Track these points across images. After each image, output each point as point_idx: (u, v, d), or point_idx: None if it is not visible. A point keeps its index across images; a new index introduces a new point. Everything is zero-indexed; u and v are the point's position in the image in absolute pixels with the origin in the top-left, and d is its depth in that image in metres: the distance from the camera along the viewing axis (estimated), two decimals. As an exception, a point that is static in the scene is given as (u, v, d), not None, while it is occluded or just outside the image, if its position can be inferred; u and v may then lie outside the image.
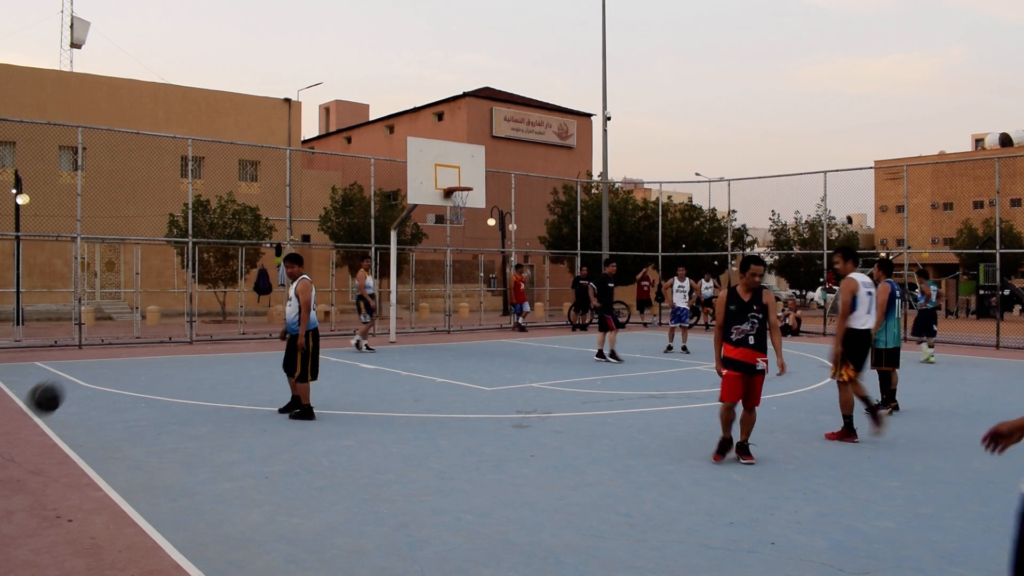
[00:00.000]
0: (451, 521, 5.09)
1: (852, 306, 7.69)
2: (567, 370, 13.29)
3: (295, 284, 8.76)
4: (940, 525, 5.11)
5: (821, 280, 26.54)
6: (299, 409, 8.66)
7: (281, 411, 8.95)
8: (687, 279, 16.70)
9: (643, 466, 6.62)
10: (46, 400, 5.40)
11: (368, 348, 16.47)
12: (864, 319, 7.76)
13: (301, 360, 8.63)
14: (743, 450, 6.81)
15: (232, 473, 6.26)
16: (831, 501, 5.64)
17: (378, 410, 9.27)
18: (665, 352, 16.46)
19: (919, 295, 14.97)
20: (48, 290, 25.27)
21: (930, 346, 15.09)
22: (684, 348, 16.70)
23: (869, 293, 7.90)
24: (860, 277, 7.89)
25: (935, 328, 14.87)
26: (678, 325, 16.64)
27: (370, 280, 16.64)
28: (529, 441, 7.56)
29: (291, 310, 8.72)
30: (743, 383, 6.70)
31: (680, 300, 16.50)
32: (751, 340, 6.69)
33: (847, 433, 7.65)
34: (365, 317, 16.52)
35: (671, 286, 16.72)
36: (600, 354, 14.57)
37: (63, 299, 26.99)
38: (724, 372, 6.73)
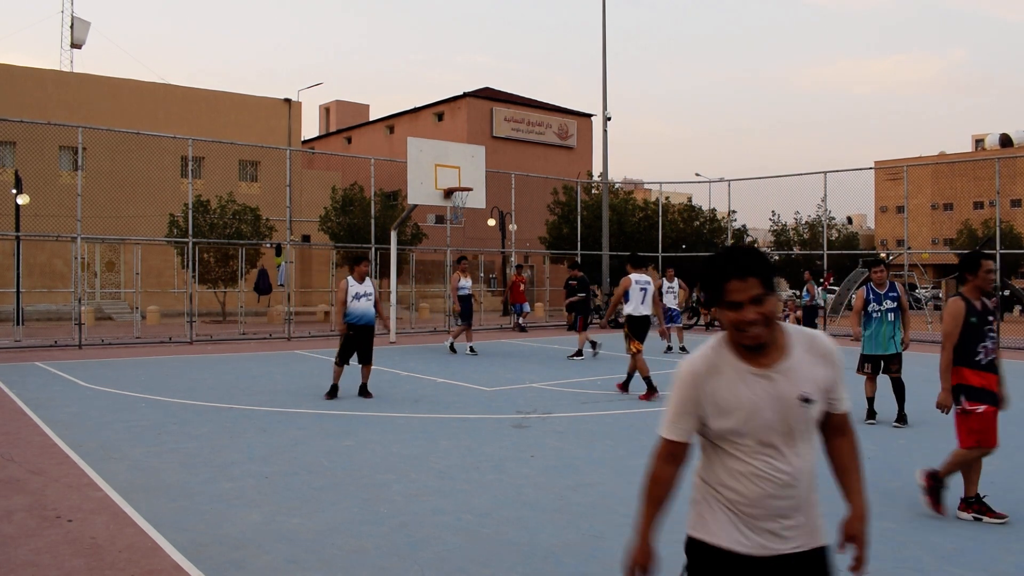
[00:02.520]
0: (451, 521, 5.09)
1: (625, 297, 10.45)
2: (567, 370, 13.29)
3: (370, 280, 10.11)
4: (940, 525, 5.11)
5: (820, 280, 26.56)
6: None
7: (362, 395, 10.12)
8: (676, 279, 16.86)
9: (643, 466, 6.60)
10: None
11: (453, 349, 16.34)
12: (639, 308, 10.44)
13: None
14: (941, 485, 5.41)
15: (232, 473, 6.26)
16: (831, 501, 5.62)
17: (378, 410, 9.27)
18: (665, 353, 16.49)
19: (804, 293, 17.20)
20: (48, 290, 25.28)
21: None
22: (683, 348, 16.76)
23: (643, 289, 10.48)
24: (636, 276, 10.52)
25: (816, 323, 17.43)
26: (672, 325, 16.75)
27: (464, 282, 16.04)
28: (529, 441, 7.56)
29: (370, 304, 10.01)
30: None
31: (670, 301, 16.63)
32: (996, 362, 5.29)
33: (651, 391, 10.11)
34: (458, 320, 16.14)
35: (660, 287, 16.77)
36: (579, 352, 15.28)
37: (63, 299, 26.98)
38: (981, 408, 5.17)
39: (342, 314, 9.98)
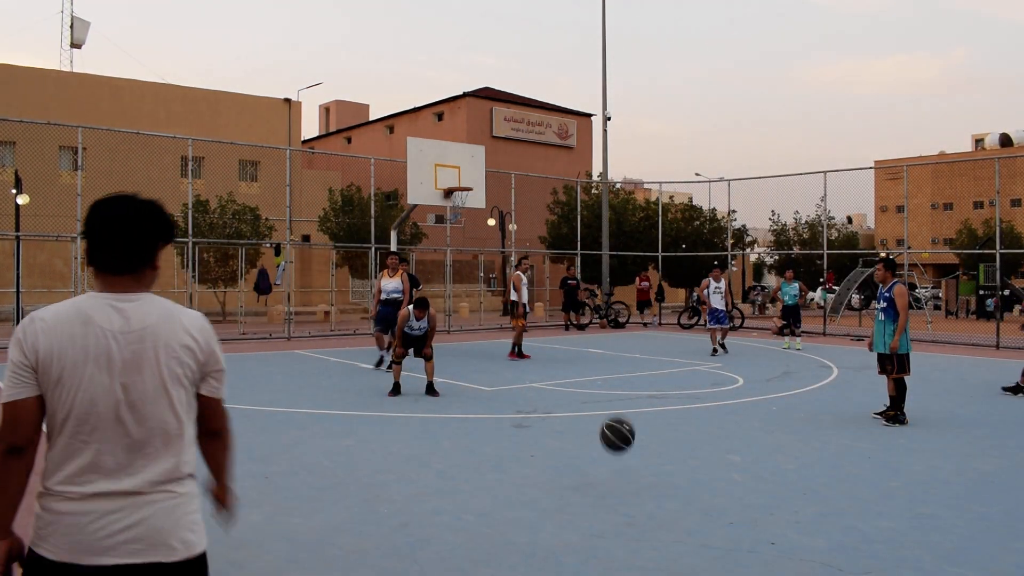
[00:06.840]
0: (451, 521, 5.09)
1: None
2: (567, 370, 13.29)
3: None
4: (940, 525, 5.11)
5: (821, 280, 26.55)
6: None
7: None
8: (722, 279, 16.21)
9: (643, 466, 6.62)
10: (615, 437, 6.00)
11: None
12: (524, 296, 15.04)
13: None
14: None
15: (232, 473, 6.25)
16: (831, 501, 5.64)
17: (378, 410, 9.27)
18: (712, 355, 15.60)
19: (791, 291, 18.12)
20: (48, 290, 25.24)
21: (797, 335, 17.68)
22: (722, 346, 16.07)
23: (524, 284, 15.15)
24: (521, 275, 15.23)
25: (799, 321, 17.73)
26: (718, 327, 16.06)
27: (387, 283, 13.22)
28: (529, 441, 7.56)
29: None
30: None
31: (717, 301, 15.98)
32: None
33: (517, 354, 14.80)
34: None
35: (707, 287, 16.17)
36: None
37: (63, 299, 26.91)
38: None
39: None
